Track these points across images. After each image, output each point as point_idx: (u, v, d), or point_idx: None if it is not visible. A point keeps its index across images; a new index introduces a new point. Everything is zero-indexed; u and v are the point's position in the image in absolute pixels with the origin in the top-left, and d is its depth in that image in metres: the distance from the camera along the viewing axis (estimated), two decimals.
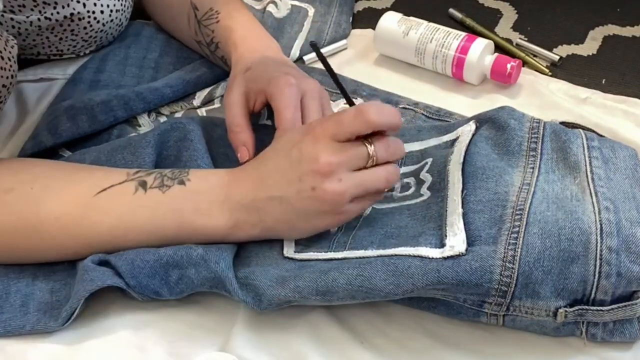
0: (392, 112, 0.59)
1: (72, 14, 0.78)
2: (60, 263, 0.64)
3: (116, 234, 0.62)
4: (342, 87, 0.64)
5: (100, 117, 0.75)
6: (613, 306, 0.54)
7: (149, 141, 0.68)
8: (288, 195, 0.58)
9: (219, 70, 0.83)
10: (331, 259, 0.59)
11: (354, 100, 0.80)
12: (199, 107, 0.81)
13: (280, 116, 0.66)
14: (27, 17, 0.77)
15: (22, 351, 0.60)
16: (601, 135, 0.69)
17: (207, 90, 0.82)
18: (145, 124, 0.78)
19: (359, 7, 0.98)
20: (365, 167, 0.59)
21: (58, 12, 0.78)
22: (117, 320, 0.61)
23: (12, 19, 0.76)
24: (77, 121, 0.74)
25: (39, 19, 0.77)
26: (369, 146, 0.58)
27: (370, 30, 0.91)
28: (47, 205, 0.62)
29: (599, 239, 0.55)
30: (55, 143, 0.73)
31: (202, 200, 0.61)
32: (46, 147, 0.73)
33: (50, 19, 0.78)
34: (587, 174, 0.61)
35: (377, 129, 0.58)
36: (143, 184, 0.62)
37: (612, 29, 0.89)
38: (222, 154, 0.71)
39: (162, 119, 0.79)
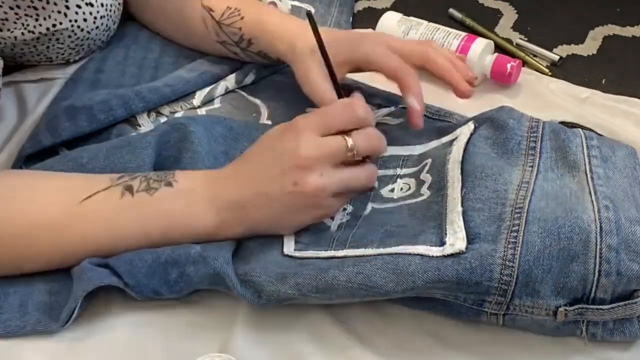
0: (369, 109, 0.61)
1: (54, 25, 0.79)
2: None
3: (103, 239, 0.61)
4: (331, 69, 0.65)
5: (99, 117, 0.75)
6: (613, 305, 0.54)
7: (149, 142, 0.68)
8: (272, 191, 0.59)
9: (219, 69, 0.83)
10: (331, 257, 0.59)
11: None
12: (199, 106, 0.81)
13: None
14: (11, 31, 0.77)
15: (22, 351, 0.60)
16: (600, 135, 0.69)
17: (207, 89, 0.82)
18: (145, 123, 0.78)
19: (359, 7, 0.98)
20: (347, 161, 0.60)
21: (40, 25, 0.78)
22: (116, 320, 0.61)
23: None
24: (76, 121, 0.74)
25: (22, 33, 0.78)
26: (348, 139, 0.59)
27: (370, 30, 0.91)
28: (31, 215, 0.61)
29: (598, 237, 0.55)
30: (55, 143, 0.73)
31: (190, 199, 0.61)
32: (45, 147, 0.73)
33: (33, 32, 0.78)
34: (586, 172, 0.61)
35: (363, 125, 0.59)
36: (129, 188, 0.61)
37: (612, 29, 0.89)
38: (222, 153, 0.70)
39: (162, 119, 0.79)
